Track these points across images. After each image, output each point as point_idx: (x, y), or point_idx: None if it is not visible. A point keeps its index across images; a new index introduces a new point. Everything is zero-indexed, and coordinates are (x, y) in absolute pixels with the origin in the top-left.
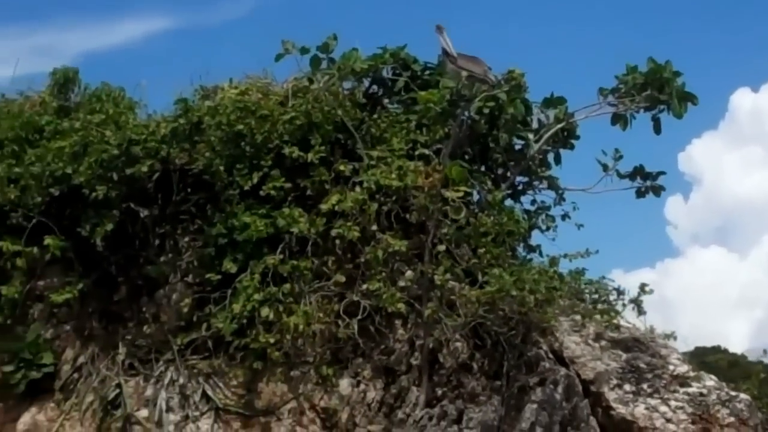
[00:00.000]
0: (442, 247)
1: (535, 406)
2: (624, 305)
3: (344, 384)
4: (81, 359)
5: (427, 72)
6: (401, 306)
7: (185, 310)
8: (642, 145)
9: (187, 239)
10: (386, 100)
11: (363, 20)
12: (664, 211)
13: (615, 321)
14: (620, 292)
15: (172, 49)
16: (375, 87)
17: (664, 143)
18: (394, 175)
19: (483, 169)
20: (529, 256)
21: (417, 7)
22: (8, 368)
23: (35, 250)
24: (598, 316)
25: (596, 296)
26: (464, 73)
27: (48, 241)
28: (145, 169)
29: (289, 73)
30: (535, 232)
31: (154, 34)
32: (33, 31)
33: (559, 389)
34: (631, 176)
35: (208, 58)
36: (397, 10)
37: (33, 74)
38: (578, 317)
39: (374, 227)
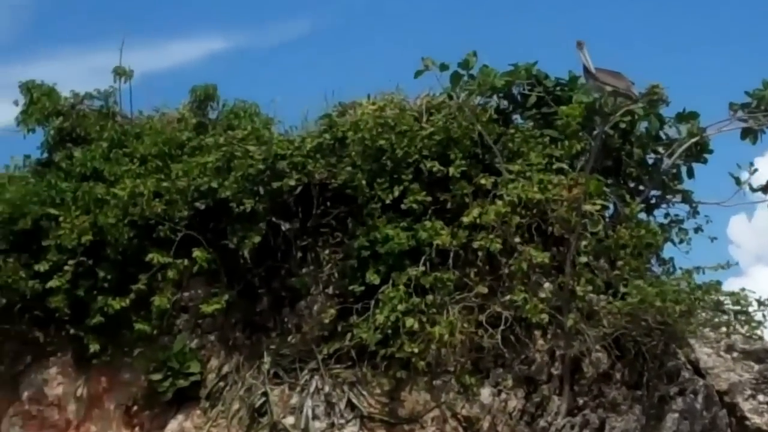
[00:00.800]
0: (583, 259)
1: (676, 415)
2: (765, 316)
3: (485, 393)
4: (226, 368)
5: (558, 88)
6: (544, 317)
7: (327, 320)
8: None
9: (327, 252)
10: (516, 116)
11: (415, 38)
12: (727, 230)
13: (758, 332)
14: (761, 303)
15: (228, 70)
16: (505, 102)
17: None
18: (535, 189)
19: (616, 182)
20: (663, 268)
21: (476, 21)
22: (156, 377)
23: (185, 262)
24: (739, 327)
25: (737, 307)
26: (608, 88)
27: (196, 253)
28: (292, 183)
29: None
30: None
31: (209, 55)
32: (91, 52)
33: (699, 399)
34: (764, 190)
35: (265, 78)
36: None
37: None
38: (719, 328)
39: (516, 239)
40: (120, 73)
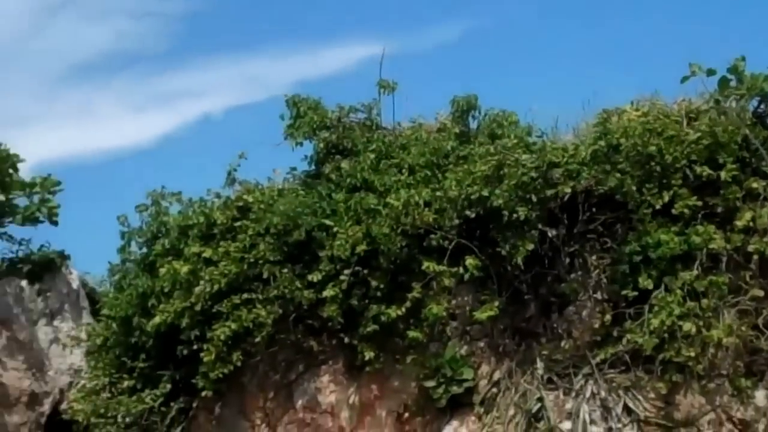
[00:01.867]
0: None
1: None
2: None
3: (760, 396)
4: (497, 374)
5: None
6: None
7: (598, 325)
8: None
9: (594, 257)
10: None
11: (578, 43)
12: None
13: None
14: None
15: (382, 75)
16: (763, 106)
17: None
18: None
19: None
20: None
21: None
22: (430, 383)
23: (460, 270)
24: None
25: None
26: None
27: (468, 261)
28: (567, 190)
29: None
30: None
31: (364, 61)
32: (245, 60)
33: None
34: None
35: (418, 83)
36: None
37: (247, 104)
38: None
39: None
40: (383, 86)
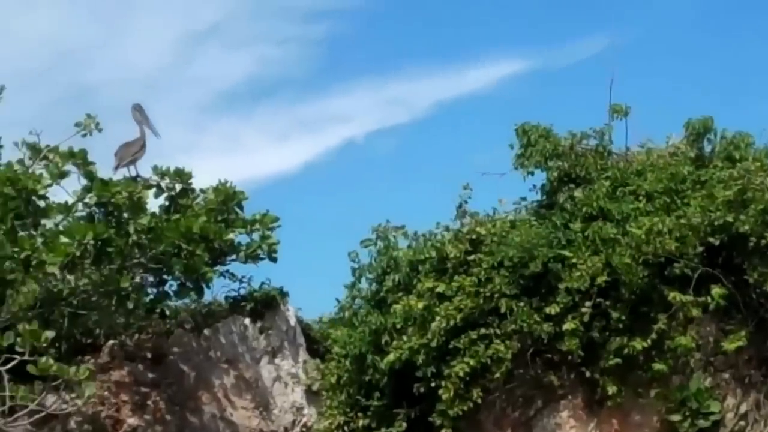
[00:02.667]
0: None
1: None
2: None
3: None
4: (744, 407)
5: None
6: None
7: None
8: None
9: None
10: None
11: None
12: None
13: None
14: None
15: (524, 93)
16: None
17: None
18: None
19: None
20: None
21: None
22: (675, 417)
23: (708, 299)
24: None
25: None
26: None
27: (715, 290)
28: None
29: None
30: None
31: (505, 79)
32: (386, 83)
33: None
34: None
35: (560, 100)
36: None
37: (389, 127)
38: None
39: None
40: (617, 110)
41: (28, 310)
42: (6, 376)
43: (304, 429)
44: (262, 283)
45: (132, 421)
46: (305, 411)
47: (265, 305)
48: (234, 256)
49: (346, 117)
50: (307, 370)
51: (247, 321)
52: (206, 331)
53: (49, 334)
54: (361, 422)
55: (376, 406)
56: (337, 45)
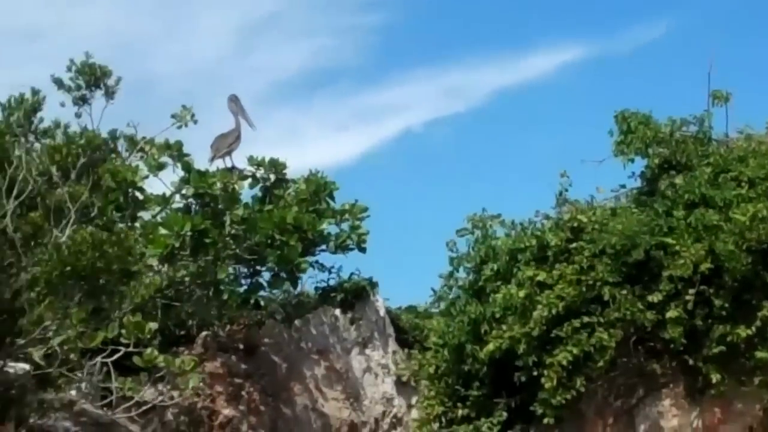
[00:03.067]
0: None
1: None
2: None
3: None
4: None
5: None
6: None
7: None
8: None
9: None
10: None
11: None
12: None
13: None
14: None
15: (583, 80)
16: None
17: None
18: None
19: None
20: None
21: None
22: None
23: None
24: None
25: None
26: None
27: None
28: None
29: None
30: None
31: (564, 66)
32: (444, 72)
33: None
34: None
35: (621, 86)
36: None
37: (447, 116)
38: None
39: None
40: (717, 96)
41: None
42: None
43: (394, 420)
44: (352, 274)
45: (227, 412)
46: (395, 402)
47: (355, 296)
48: (323, 247)
49: (403, 107)
50: (397, 361)
51: (337, 312)
52: (297, 322)
53: (153, 325)
54: (460, 412)
55: (475, 396)
56: (393, 34)
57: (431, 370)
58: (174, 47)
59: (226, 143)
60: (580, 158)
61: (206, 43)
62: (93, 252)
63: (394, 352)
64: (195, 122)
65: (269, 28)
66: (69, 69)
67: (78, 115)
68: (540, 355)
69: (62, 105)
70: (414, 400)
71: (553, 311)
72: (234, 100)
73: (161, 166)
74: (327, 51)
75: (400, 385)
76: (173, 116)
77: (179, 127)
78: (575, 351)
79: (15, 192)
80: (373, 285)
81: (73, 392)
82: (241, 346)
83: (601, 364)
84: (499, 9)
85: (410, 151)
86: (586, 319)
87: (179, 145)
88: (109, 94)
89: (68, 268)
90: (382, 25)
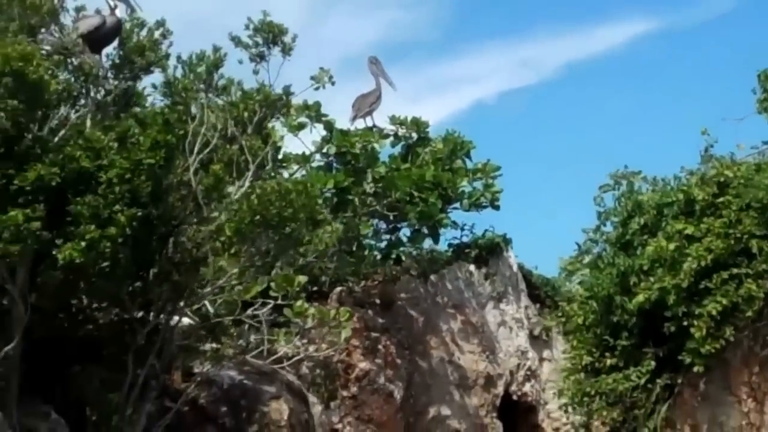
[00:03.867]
0: None
1: None
2: None
3: None
4: None
5: None
6: None
7: None
8: None
9: None
10: None
11: None
12: None
13: None
14: None
15: (652, 53)
16: None
17: None
18: None
19: None
20: None
21: None
22: None
23: None
24: None
25: None
26: None
27: None
28: None
29: None
30: None
31: (634, 39)
32: (516, 44)
33: None
34: None
35: (688, 60)
36: None
37: (519, 88)
38: None
39: None
40: None
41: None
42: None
43: (528, 372)
44: (486, 230)
45: (363, 365)
46: (529, 355)
47: (489, 252)
48: (456, 205)
49: (476, 78)
50: (529, 315)
51: (472, 267)
52: (433, 277)
53: (302, 278)
54: (608, 361)
55: (623, 346)
56: (466, 7)
57: (579, 321)
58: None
59: (367, 103)
60: (655, 129)
61: (279, 16)
62: (281, 201)
63: (526, 307)
64: (333, 83)
65: (342, 1)
66: (247, 27)
67: (255, 72)
68: (689, 306)
69: (240, 62)
70: (545, 353)
71: (702, 263)
72: (374, 62)
73: (301, 126)
74: (400, 24)
75: (532, 339)
76: (312, 78)
77: (316, 89)
78: (724, 301)
79: (197, 147)
80: (507, 241)
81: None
82: (378, 301)
83: (749, 314)
84: None
85: (483, 122)
86: (734, 270)
87: (317, 106)
88: (286, 51)
89: (258, 217)
90: None
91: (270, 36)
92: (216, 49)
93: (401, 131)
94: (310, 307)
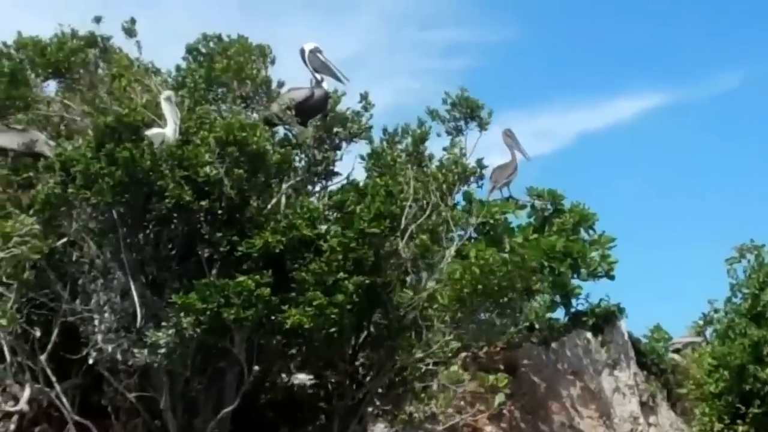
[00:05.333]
0: None
1: None
2: None
3: None
4: None
5: None
6: None
7: None
8: None
9: None
10: None
11: None
12: None
13: None
14: None
15: (661, 127)
16: None
17: None
18: None
19: None
20: None
21: None
22: None
23: None
24: None
25: None
26: None
27: None
28: None
29: None
30: None
31: (645, 112)
32: (534, 114)
33: None
34: None
35: (696, 134)
36: None
37: (535, 156)
38: None
39: None
40: None
41: None
42: None
43: None
44: (601, 299)
45: (489, 429)
46: (640, 420)
47: (605, 320)
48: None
49: (489, 149)
50: (637, 382)
51: (589, 335)
52: (554, 345)
53: (455, 344)
54: (740, 428)
55: (755, 414)
56: (477, 78)
57: (711, 388)
58: None
59: (504, 174)
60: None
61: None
62: (502, 271)
63: (635, 374)
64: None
65: (351, 68)
66: (444, 101)
67: (453, 145)
68: None
69: (438, 135)
70: (651, 419)
71: None
72: (509, 134)
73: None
74: (408, 93)
75: (641, 405)
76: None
77: None
78: None
79: (405, 217)
80: (621, 310)
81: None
82: (502, 367)
83: None
84: (584, 56)
85: None
86: None
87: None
88: (483, 126)
89: (480, 286)
90: (465, 68)
91: (468, 111)
92: (421, 123)
93: (537, 202)
94: (464, 373)
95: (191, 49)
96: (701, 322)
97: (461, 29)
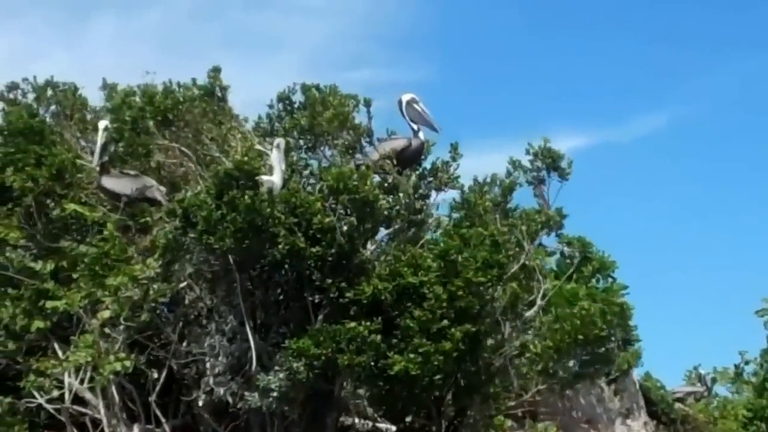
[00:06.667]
0: None
1: None
2: None
3: None
4: None
5: None
6: None
7: None
8: None
9: None
10: None
11: None
12: None
13: None
14: None
15: (590, 167)
16: None
17: None
18: None
19: None
20: None
21: None
22: None
23: None
24: None
25: None
26: None
27: None
28: None
29: None
30: None
31: (571, 152)
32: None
33: None
34: None
35: (621, 175)
36: None
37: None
38: None
39: None
40: None
41: None
42: None
43: None
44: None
45: None
46: None
47: (617, 369)
48: None
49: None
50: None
51: (603, 384)
52: (569, 393)
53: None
54: None
55: None
56: (395, 118)
57: None
58: None
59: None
60: None
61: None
62: (602, 321)
63: (645, 423)
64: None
65: None
66: (527, 152)
67: (536, 195)
68: None
69: (519, 185)
70: None
71: None
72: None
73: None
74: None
75: None
76: None
77: None
78: None
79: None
80: (637, 358)
81: None
82: (520, 414)
83: None
84: (510, 100)
85: None
86: None
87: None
88: (564, 176)
89: (581, 336)
90: (384, 108)
91: (550, 161)
92: (509, 174)
93: (566, 249)
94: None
95: (283, 98)
96: (702, 371)
97: (378, 69)
